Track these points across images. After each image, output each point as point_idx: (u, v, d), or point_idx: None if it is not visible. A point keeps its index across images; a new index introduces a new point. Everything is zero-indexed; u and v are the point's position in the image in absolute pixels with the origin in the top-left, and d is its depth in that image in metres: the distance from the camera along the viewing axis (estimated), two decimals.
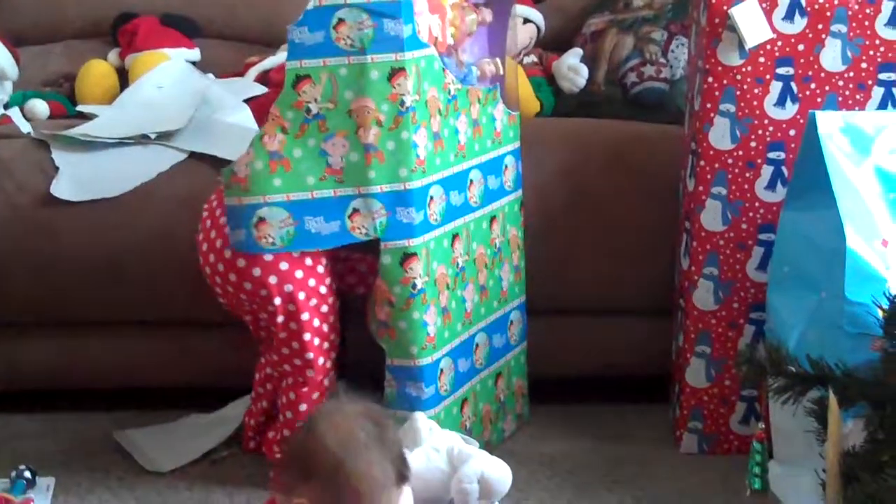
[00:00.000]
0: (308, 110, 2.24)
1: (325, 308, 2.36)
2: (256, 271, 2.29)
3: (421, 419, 2.30)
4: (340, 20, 2.21)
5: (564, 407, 2.83)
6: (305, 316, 2.32)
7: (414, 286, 2.32)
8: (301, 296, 2.31)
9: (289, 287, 2.30)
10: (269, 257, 2.28)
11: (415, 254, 2.32)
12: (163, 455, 2.55)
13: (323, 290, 2.34)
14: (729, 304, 2.54)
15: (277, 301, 2.30)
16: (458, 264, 2.45)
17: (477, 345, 2.55)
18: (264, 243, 2.26)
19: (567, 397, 2.86)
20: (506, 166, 2.63)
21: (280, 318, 2.32)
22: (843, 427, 1.72)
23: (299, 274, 2.30)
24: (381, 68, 2.24)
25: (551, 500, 2.40)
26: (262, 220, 2.25)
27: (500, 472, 2.19)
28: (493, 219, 2.57)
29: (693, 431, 2.61)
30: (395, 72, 2.25)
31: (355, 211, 2.28)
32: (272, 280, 2.29)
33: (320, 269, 2.34)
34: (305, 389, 2.38)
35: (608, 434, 2.70)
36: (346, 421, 1.72)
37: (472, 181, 2.49)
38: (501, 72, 2.66)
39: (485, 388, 2.60)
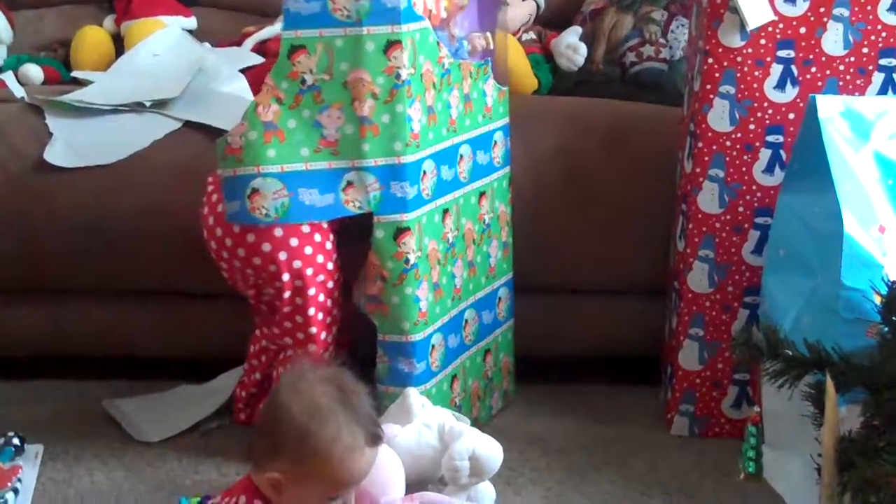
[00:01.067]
0: (303, 81, 2.22)
1: (330, 284, 2.35)
2: (266, 246, 2.28)
3: (413, 395, 2.30)
4: None
5: (556, 386, 2.83)
6: (312, 291, 2.31)
7: (407, 261, 2.31)
8: (309, 272, 2.30)
9: (297, 263, 2.29)
10: (279, 232, 2.27)
11: (408, 228, 2.31)
12: (152, 425, 2.55)
13: (330, 266, 2.33)
14: (724, 286, 2.54)
15: (286, 277, 2.29)
16: (448, 240, 2.44)
17: (466, 321, 2.54)
18: (258, 214, 2.24)
19: (559, 377, 2.86)
20: (495, 142, 2.62)
21: (287, 294, 2.30)
22: (838, 412, 1.71)
23: (308, 250, 2.29)
24: (378, 40, 2.23)
25: (541, 480, 2.40)
26: (255, 190, 2.23)
27: (491, 450, 2.19)
28: (481, 194, 2.57)
29: (684, 414, 2.61)
30: (391, 44, 2.23)
31: (349, 184, 2.27)
32: (282, 256, 2.28)
33: (328, 244, 2.33)
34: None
35: (599, 414, 2.70)
36: (309, 389, 1.72)
37: (461, 156, 2.48)
38: (492, 46, 2.65)
39: (473, 364, 2.59)
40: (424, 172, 2.33)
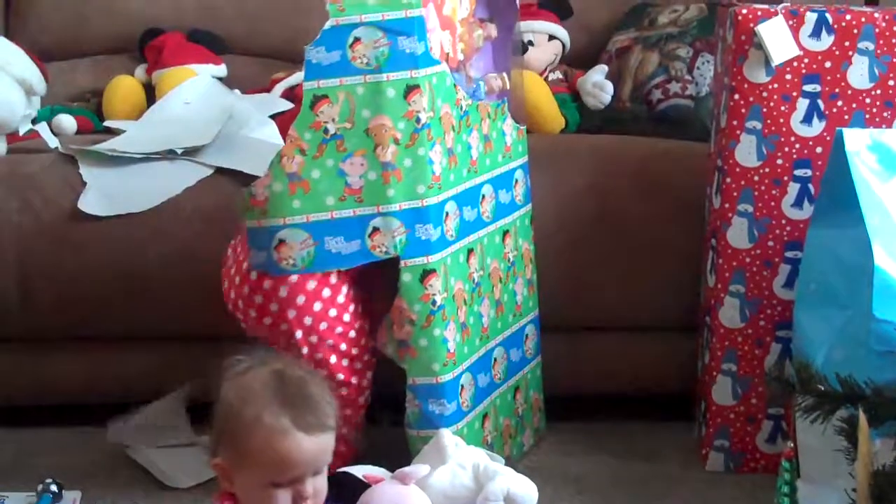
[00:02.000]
0: (326, 130, 2.23)
1: (352, 333, 2.35)
2: (273, 307, 2.28)
3: (446, 436, 2.30)
4: (356, 39, 2.21)
5: (589, 424, 2.82)
6: (330, 342, 2.32)
7: (434, 303, 2.32)
8: (322, 326, 2.30)
9: (308, 320, 2.29)
10: (283, 292, 2.27)
11: (434, 270, 2.32)
12: (181, 471, 2.55)
13: (346, 317, 2.33)
14: (755, 321, 2.53)
15: (299, 334, 2.29)
16: (473, 279, 2.45)
17: (495, 359, 2.55)
18: (285, 265, 2.24)
19: (592, 415, 2.85)
20: (516, 180, 2.64)
21: (305, 350, 2.31)
22: (872, 446, 1.71)
23: (317, 306, 2.29)
24: (397, 86, 2.25)
25: None
26: (282, 241, 2.24)
27: (526, 490, 2.19)
28: (505, 233, 2.58)
29: (719, 450, 2.60)
30: (411, 89, 2.25)
31: (375, 230, 2.28)
32: (290, 314, 2.28)
33: (341, 297, 2.32)
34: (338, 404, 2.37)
35: (634, 452, 2.69)
36: (248, 377, 1.70)
37: (484, 196, 2.49)
38: (507, 86, 2.67)
39: (504, 402, 2.59)
40: (447, 214, 2.34)
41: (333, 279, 2.30)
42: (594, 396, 2.86)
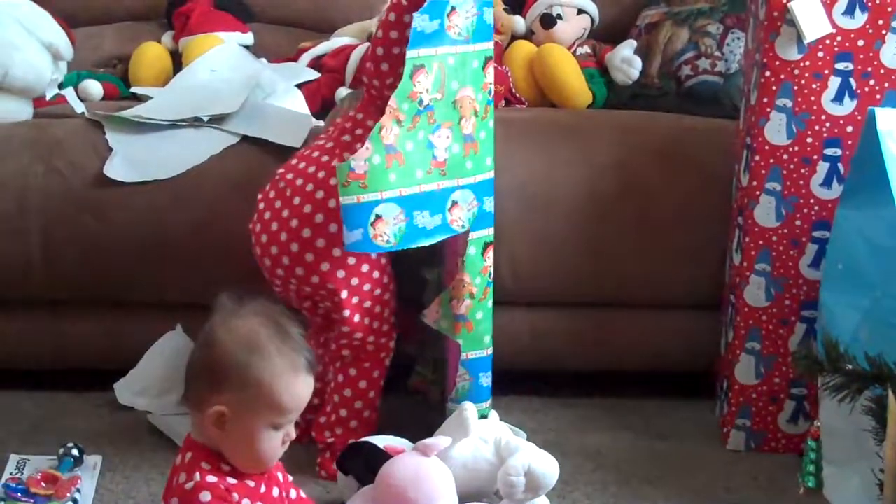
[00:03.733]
0: (421, 101, 2.20)
1: (387, 296, 2.38)
2: (325, 266, 2.29)
3: (469, 409, 2.30)
4: (453, 8, 2.21)
5: (611, 400, 2.82)
6: (367, 304, 2.34)
7: (490, 275, 2.34)
8: (367, 287, 2.32)
9: (355, 280, 2.31)
10: (336, 252, 2.27)
11: (492, 242, 2.34)
12: None
13: (385, 279, 2.36)
14: (780, 300, 2.52)
15: (344, 294, 2.31)
16: None
17: None
18: (380, 242, 2.19)
19: (614, 391, 2.85)
20: None
21: (346, 312, 2.32)
22: None
23: (365, 267, 2.31)
24: (480, 57, 2.25)
25: (596, 494, 2.39)
26: (379, 217, 2.18)
27: (547, 466, 2.19)
28: None
29: (740, 429, 2.59)
30: (488, 61, 2.27)
31: (454, 203, 2.28)
32: (340, 274, 2.29)
33: (383, 259, 2.36)
34: (367, 365, 2.39)
35: (654, 429, 2.69)
36: (243, 322, 1.71)
37: None
38: None
39: None
40: None
41: None
42: (616, 373, 2.86)
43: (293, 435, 1.74)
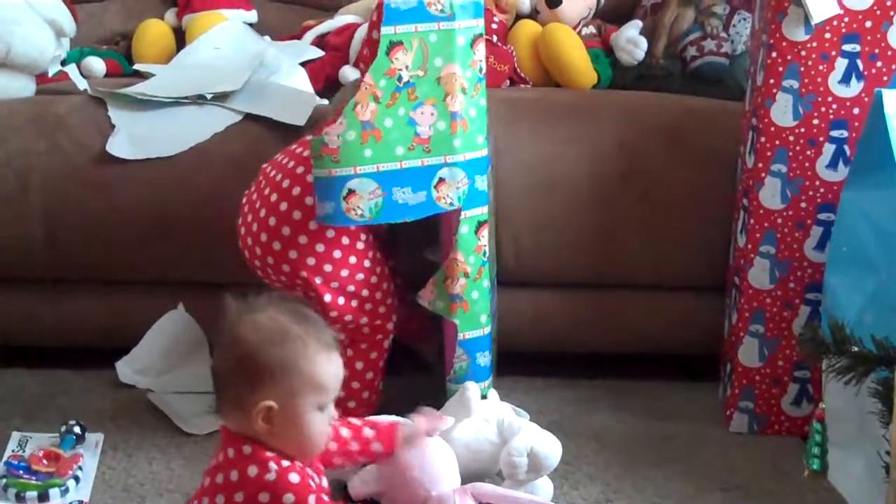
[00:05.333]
0: (400, 78, 2.21)
1: (374, 279, 2.35)
2: (293, 254, 2.28)
3: (472, 389, 2.30)
4: None
5: (614, 382, 2.82)
6: (351, 288, 2.32)
7: (485, 253, 2.33)
8: (344, 273, 2.30)
9: (328, 267, 2.29)
10: (303, 240, 2.26)
11: (486, 221, 2.33)
12: (198, 418, 2.55)
13: (367, 263, 2.33)
14: (785, 283, 2.51)
15: (318, 280, 2.29)
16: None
17: (493, 311, 2.55)
18: (353, 215, 2.22)
19: (617, 372, 2.85)
20: None
21: (328, 297, 2.31)
22: None
23: (337, 254, 2.29)
24: (466, 34, 2.24)
25: (598, 475, 2.39)
26: (351, 191, 2.21)
27: (549, 447, 2.19)
28: None
29: (743, 411, 2.59)
30: (476, 38, 2.26)
31: (441, 180, 2.27)
32: (310, 262, 2.28)
33: (360, 244, 2.33)
34: (364, 347, 2.38)
35: (657, 410, 2.68)
36: (265, 316, 1.73)
37: None
38: None
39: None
40: None
41: (352, 226, 2.29)
42: (620, 354, 2.86)
43: (336, 415, 1.78)
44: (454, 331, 2.35)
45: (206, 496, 1.73)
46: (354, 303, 2.34)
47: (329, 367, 1.74)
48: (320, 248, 2.28)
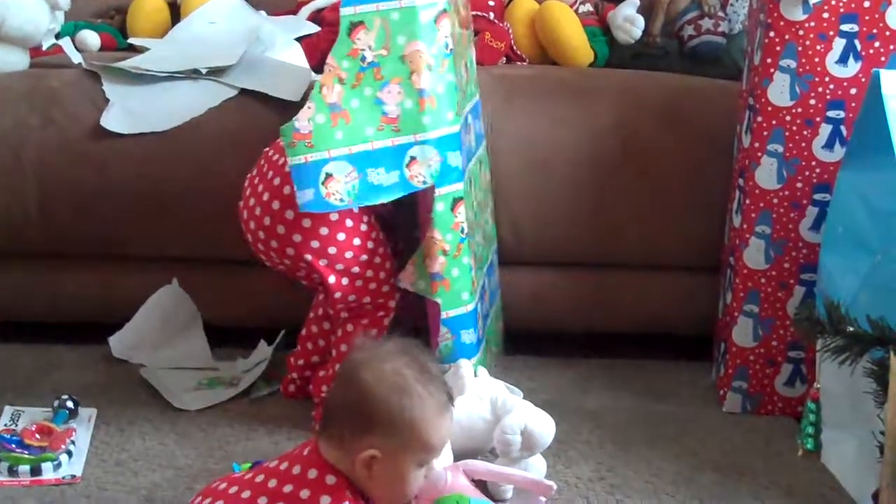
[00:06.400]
0: (363, 58, 2.20)
1: (377, 259, 2.34)
2: (297, 237, 2.27)
3: (465, 367, 2.30)
4: None
5: (609, 361, 2.82)
6: (356, 270, 2.31)
7: (463, 230, 2.31)
8: (349, 255, 2.29)
9: (332, 249, 2.28)
10: (307, 223, 2.25)
11: (462, 198, 2.31)
12: (189, 394, 2.55)
13: (370, 244, 2.32)
14: (780, 263, 2.51)
15: (323, 262, 2.28)
16: (474, 207, 2.45)
17: (484, 289, 2.55)
18: (334, 200, 2.20)
19: (611, 352, 2.85)
20: (479, 111, 2.64)
21: (332, 279, 2.30)
22: None
23: (341, 236, 2.28)
24: (430, 11, 2.22)
25: (592, 454, 2.39)
26: (329, 175, 2.19)
27: (543, 425, 2.19)
28: (480, 162, 2.58)
29: (737, 391, 2.59)
30: (441, 14, 2.24)
31: (412, 159, 2.26)
32: (314, 244, 2.27)
33: (363, 226, 2.32)
34: (365, 322, 2.38)
35: (651, 390, 2.68)
36: (389, 364, 1.74)
37: (469, 125, 2.48)
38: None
39: (491, 330, 2.62)
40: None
41: (356, 208, 2.28)
42: (614, 334, 2.86)
43: (434, 468, 1.82)
44: (437, 310, 2.35)
45: (264, 496, 1.74)
46: (359, 283, 2.33)
47: (441, 431, 1.76)
48: (324, 231, 2.27)
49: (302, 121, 2.17)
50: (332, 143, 2.18)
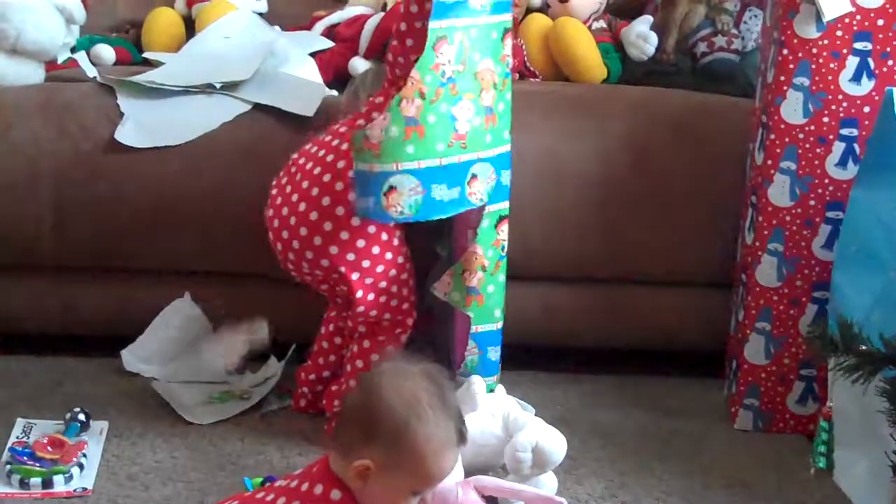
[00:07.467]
0: (443, 73, 2.18)
1: (404, 275, 2.36)
2: (333, 249, 2.27)
3: (478, 383, 2.30)
4: None
5: (620, 377, 2.81)
6: (383, 284, 2.32)
7: (503, 248, 2.34)
8: (380, 269, 2.30)
9: (366, 262, 2.29)
10: (345, 235, 2.25)
11: (506, 216, 2.33)
12: (201, 408, 2.56)
13: (401, 259, 2.34)
14: (792, 281, 2.51)
15: (355, 276, 2.29)
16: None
17: None
18: (393, 212, 2.18)
19: (623, 368, 2.84)
20: None
21: (360, 293, 2.31)
22: None
23: (376, 249, 2.29)
24: (498, 28, 2.24)
25: (602, 471, 2.38)
26: (392, 188, 2.17)
27: (554, 443, 2.19)
28: None
29: (749, 408, 2.59)
30: (506, 32, 2.25)
31: (474, 177, 2.26)
32: (350, 257, 2.27)
33: (395, 240, 2.33)
34: (382, 339, 2.38)
35: (663, 406, 2.68)
36: (409, 382, 1.72)
37: None
38: None
39: None
40: None
41: (391, 223, 2.28)
42: (625, 350, 2.86)
43: (429, 501, 1.76)
44: (467, 323, 2.35)
45: None
46: (383, 298, 2.34)
47: (443, 463, 1.73)
48: (361, 243, 2.27)
49: (374, 130, 2.15)
50: (401, 156, 2.16)
